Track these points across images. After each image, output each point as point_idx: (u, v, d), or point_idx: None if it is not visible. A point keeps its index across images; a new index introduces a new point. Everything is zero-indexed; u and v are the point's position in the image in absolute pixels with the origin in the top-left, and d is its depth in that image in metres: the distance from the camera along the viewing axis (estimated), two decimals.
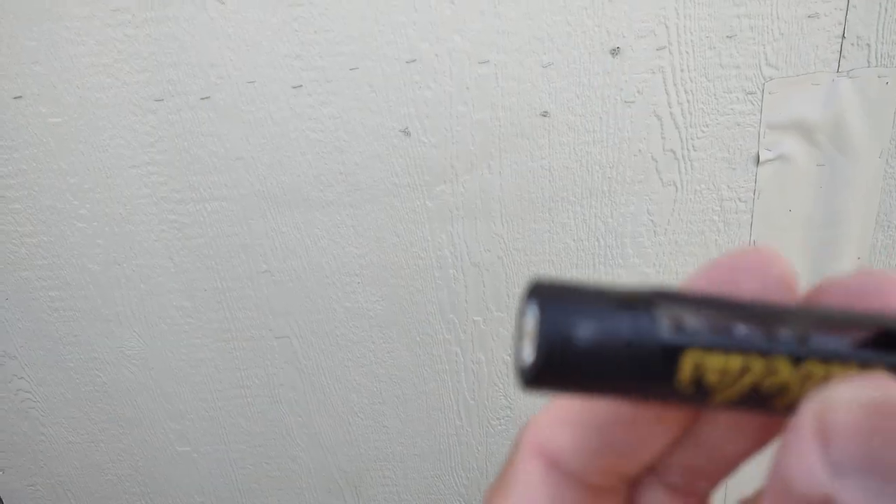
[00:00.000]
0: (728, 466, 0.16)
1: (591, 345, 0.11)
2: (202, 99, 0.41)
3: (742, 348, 0.11)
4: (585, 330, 0.11)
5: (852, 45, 0.39)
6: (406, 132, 0.42)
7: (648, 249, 0.44)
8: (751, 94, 0.40)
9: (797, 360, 0.12)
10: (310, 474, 0.54)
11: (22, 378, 0.51)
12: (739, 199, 0.42)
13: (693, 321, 0.12)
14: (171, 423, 0.52)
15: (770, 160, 0.41)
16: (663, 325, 0.11)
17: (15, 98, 0.42)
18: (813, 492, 0.11)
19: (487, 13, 0.39)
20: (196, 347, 0.49)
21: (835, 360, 0.12)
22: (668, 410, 0.14)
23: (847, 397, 0.11)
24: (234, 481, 0.55)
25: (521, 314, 0.12)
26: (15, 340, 0.50)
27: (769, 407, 0.12)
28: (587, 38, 0.39)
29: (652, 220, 0.44)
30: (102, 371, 0.50)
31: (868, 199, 0.42)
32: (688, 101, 0.40)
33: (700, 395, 0.11)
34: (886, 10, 0.38)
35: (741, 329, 0.12)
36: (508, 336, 0.48)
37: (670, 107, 0.40)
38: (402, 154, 0.42)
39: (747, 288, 0.13)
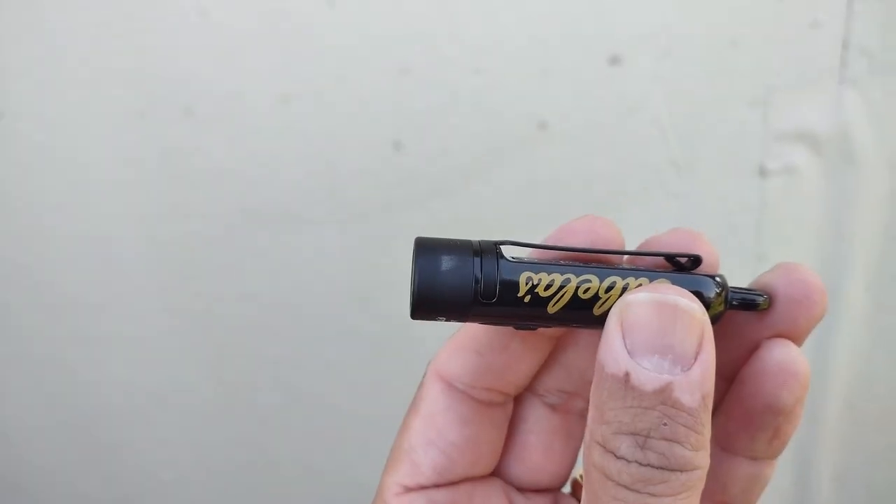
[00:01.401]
0: None
1: (452, 275, 0.16)
2: (185, 113, 0.40)
3: (562, 271, 0.16)
4: (447, 264, 0.16)
5: (855, 53, 0.38)
6: (398, 145, 0.41)
7: None
8: (754, 103, 0.39)
9: (603, 276, 0.16)
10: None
11: (3, 404, 0.50)
12: (745, 210, 0.42)
13: (528, 259, 0.17)
14: (156, 451, 0.51)
15: (775, 171, 0.41)
16: (505, 260, 0.16)
17: None
18: (617, 370, 0.14)
19: (481, 21, 0.38)
20: (180, 372, 0.48)
21: (630, 276, 0.16)
22: (527, 332, 0.19)
23: (639, 299, 0.15)
24: None
25: (412, 267, 0.16)
26: None
27: (592, 319, 0.16)
28: (586, 46, 0.38)
29: (655, 233, 0.43)
30: (85, 396, 0.49)
31: (876, 209, 0.42)
32: (690, 111, 0.40)
33: (539, 305, 0.16)
34: (889, 18, 0.38)
35: (562, 261, 0.17)
36: None
37: (672, 116, 0.40)
38: (393, 168, 0.41)
39: (580, 242, 0.18)
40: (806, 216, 0.42)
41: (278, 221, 0.43)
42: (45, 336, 0.48)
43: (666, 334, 0.14)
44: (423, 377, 0.21)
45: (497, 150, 0.41)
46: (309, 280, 0.45)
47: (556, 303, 0.16)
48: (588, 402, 0.21)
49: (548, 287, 0.16)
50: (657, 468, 0.14)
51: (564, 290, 0.16)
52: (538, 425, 0.21)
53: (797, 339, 0.17)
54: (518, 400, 0.21)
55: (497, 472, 0.22)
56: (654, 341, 0.14)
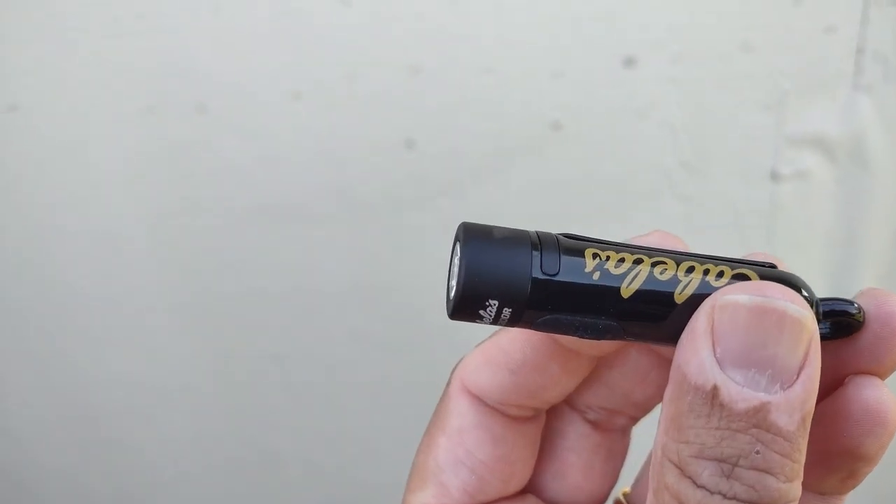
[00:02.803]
0: (640, 409, 0.19)
1: (507, 243, 0.13)
2: (196, 110, 0.40)
3: (631, 251, 0.14)
4: (500, 233, 0.14)
5: (870, 59, 0.38)
6: (409, 144, 0.41)
7: None
8: (767, 107, 0.39)
9: (679, 260, 0.14)
10: (303, 502, 0.53)
11: (7, 400, 0.50)
12: (756, 214, 0.42)
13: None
14: (160, 448, 0.51)
15: (787, 175, 0.41)
16: (564, 238, 0.14)
17: (8, 111, 0.41)
18: (704, 382, 0.12)
19: (493, 21, 0.38)
20: (186, 369, 0.48)
21: (709, 262, 0.14)
22: (568, 352, 0.17)
23: (738, 300, 0.12)
24: None
25: (453, 255, 0.14)
26: (0, 361, 0.49)
27: (673, 304, 0.13)
28: (598, 48, 0.38)
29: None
30: (90, 393, 0.49)
31: (888, 215, 0.42)
32: (702, 114, 0.39)
33: (611, 284, 0.13)
34: None
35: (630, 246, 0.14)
36: None
37: (684, 119, 0.40)
38: (404, 167, 0.41)
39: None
40: (817, 221, 0.42)
41: (288, 218, 0.43)
42: (51, 331, 0.48)
43: (768, 346, 0.12)
44: (448, 387, 0.19)
45: (509, 151, 0.41)
46: (317, 277, 0.45)
47: (631, 282, 0.13)
48: (631, 419, 0.20)
49: (619, 264, 0.13)
50: (744, 502, 0.12)
51: (639, 268, 0.13)
52: (579, 443, 0.20)
53: (881, 376, 0.15)
54: (557, 414, 0.20)
55: (534, 490, 0.20)
56: (751, 353, 0.12)
